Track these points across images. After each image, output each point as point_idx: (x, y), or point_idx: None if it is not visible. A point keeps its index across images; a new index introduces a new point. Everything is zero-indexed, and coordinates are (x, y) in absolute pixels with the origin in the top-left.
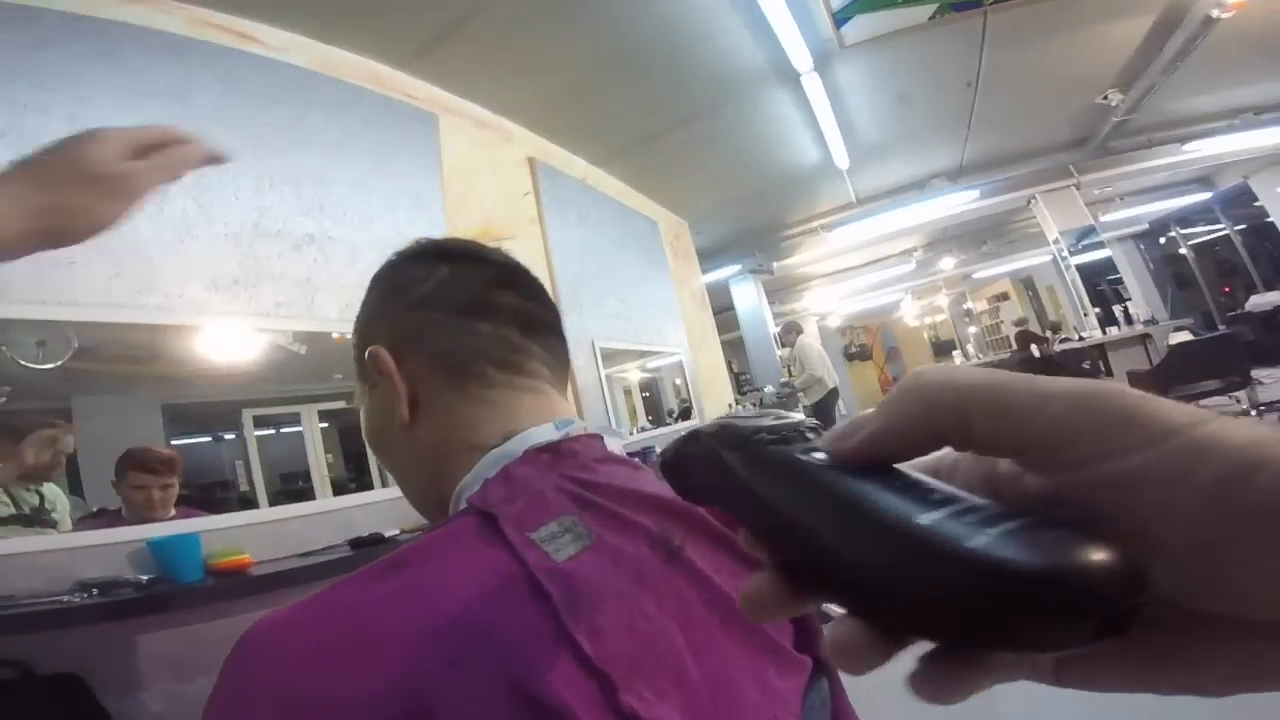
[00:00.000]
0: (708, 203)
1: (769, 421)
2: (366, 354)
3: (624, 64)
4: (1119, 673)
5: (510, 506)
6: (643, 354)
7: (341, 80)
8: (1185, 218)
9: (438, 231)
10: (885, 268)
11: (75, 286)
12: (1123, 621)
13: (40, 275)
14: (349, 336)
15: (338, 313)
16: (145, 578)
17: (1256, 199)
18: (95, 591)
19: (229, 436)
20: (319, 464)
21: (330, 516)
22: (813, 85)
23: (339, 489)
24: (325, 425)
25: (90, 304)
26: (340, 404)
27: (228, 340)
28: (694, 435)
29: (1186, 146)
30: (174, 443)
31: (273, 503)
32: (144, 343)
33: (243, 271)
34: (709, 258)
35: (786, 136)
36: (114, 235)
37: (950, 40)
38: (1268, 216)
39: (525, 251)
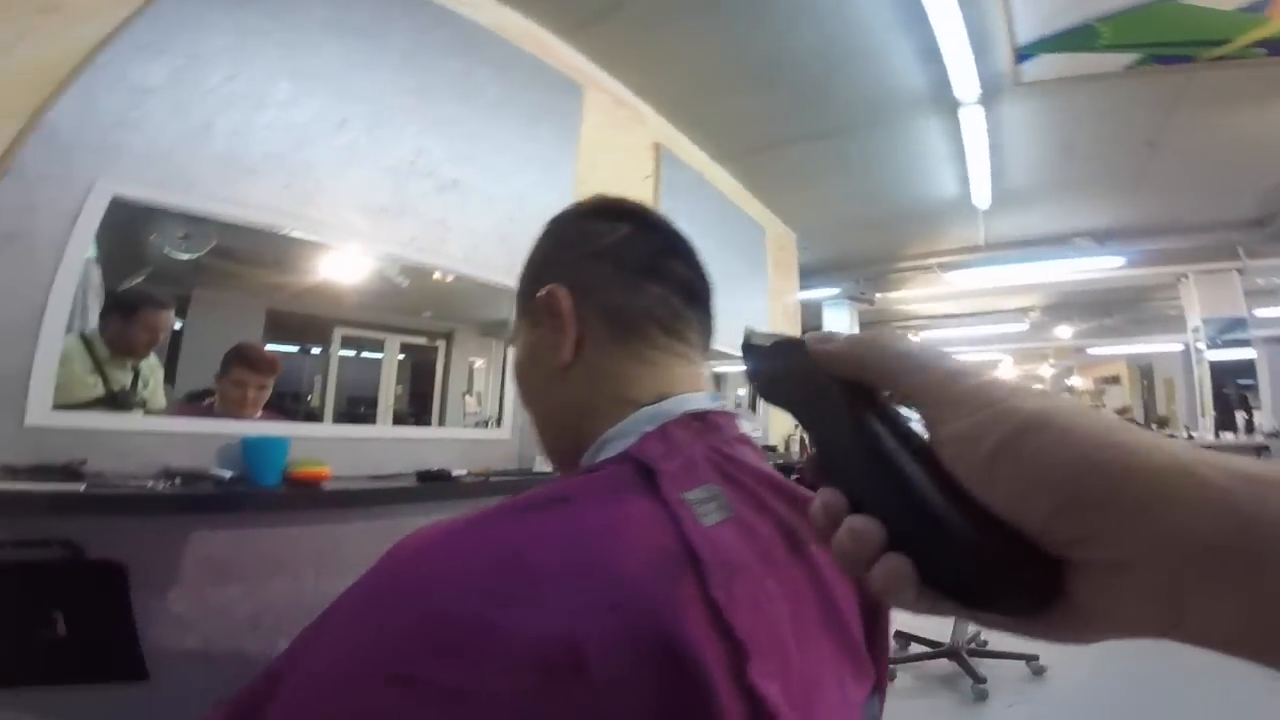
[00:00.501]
0: (821, 219)
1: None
2: (543, 292)
3: (772, 68)
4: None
5: (668, 464)
6: (717, 356)
7: (508, 41)
8: None
9: (563, 199)
10: (994, 322)
11: (251, 190)
12: (1043, 600)
13: (226, 176)
14: (458, 278)
15: (463, 255)
16: (228, 474)
17: None
18: (178, 481)
19: (315, 351)
20: (387, 393)
21: (403, 445)
22: (972, 118)
23: (398, 421)
24: (402, 357)
25: (259, 207)
26: (423, 340)
27: (347, 261)
28: (794, 343)
29: None
30: (268, 348)
31: (336, 422)
32: (271, 251)
33: (392, 203)
34: (809, 275)
35: (925, 166)
36: (293, 153)
37: (1142, 93)
38: None
39: None
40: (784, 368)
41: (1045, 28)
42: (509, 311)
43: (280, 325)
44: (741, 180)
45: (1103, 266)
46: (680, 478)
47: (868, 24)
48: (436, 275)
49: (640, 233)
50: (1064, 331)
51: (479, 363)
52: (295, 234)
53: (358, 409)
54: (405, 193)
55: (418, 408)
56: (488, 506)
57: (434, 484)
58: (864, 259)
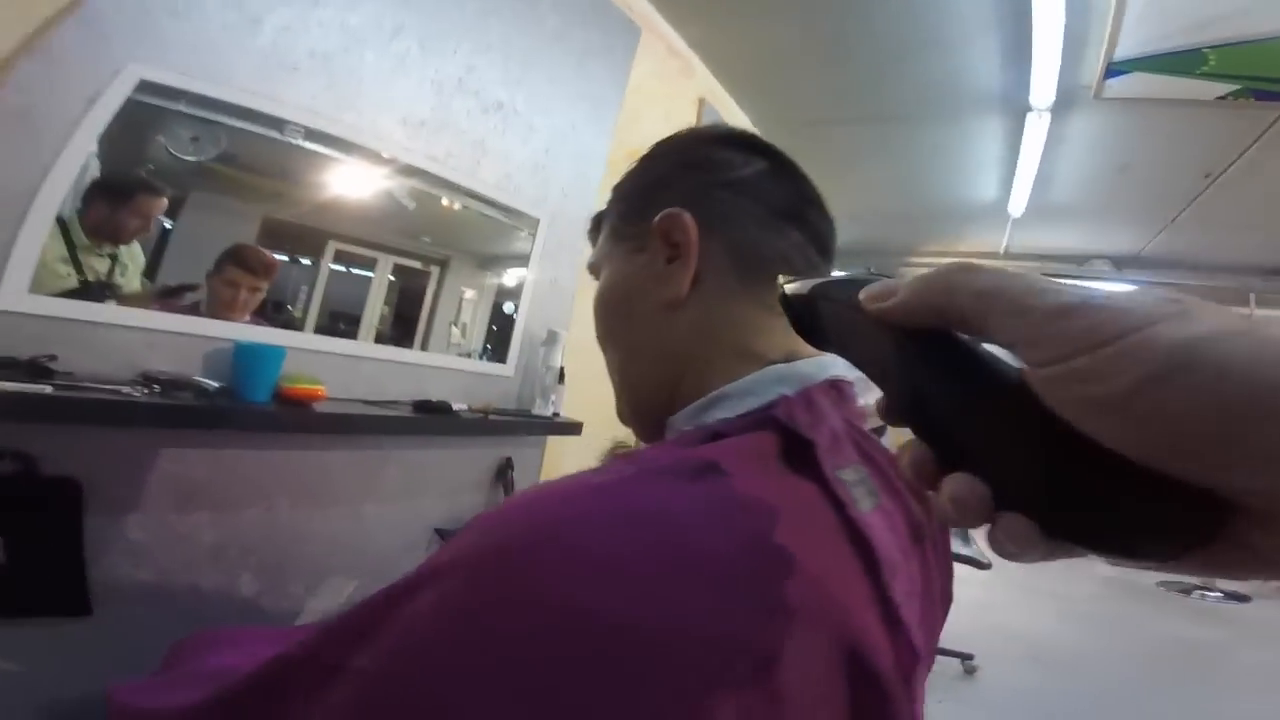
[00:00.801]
0: (851, 204)
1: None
2: (663, 215)
3: (840, 43)
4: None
5: (820, 437)
6: None
7: None
8: None
9: (603, 141)
10: None
11: (291, 89)
12: (1204, 540)
13: (266, 71)
14: (465, 207)
15: (495, 181)
16: (215, 384)
17: None
18: (157, 388)
19: (305, 261)
20: (373, 312)
21: (398, 370)
22: (1037, 125)
23: (379, 341)
24: (393, 279)
25: (295, 105)
26: (417, 264)
27: (356, 175)
28: (840, 296)
29: None
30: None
31: (318, 333)
32: (280, 159)
33: (432, 117)
34: None
35: (971, 166)
36: (341, 55)
37: (1220, 125)
38: None
39: None
40: (834, 322)
41: (1152, 46)
42: (518, 246)
43: (274, 233)
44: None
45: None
46: (834, 454)
47: (959, 14)
48: (445, 201)
49: (780, 172)
50: None
51: (469, 294)
52: (339, 134)
53: (338, 325)
54: (448, 109)
55: (400, 331)
56: (610, 469)
57: (433, 416)
58: (881, 248)
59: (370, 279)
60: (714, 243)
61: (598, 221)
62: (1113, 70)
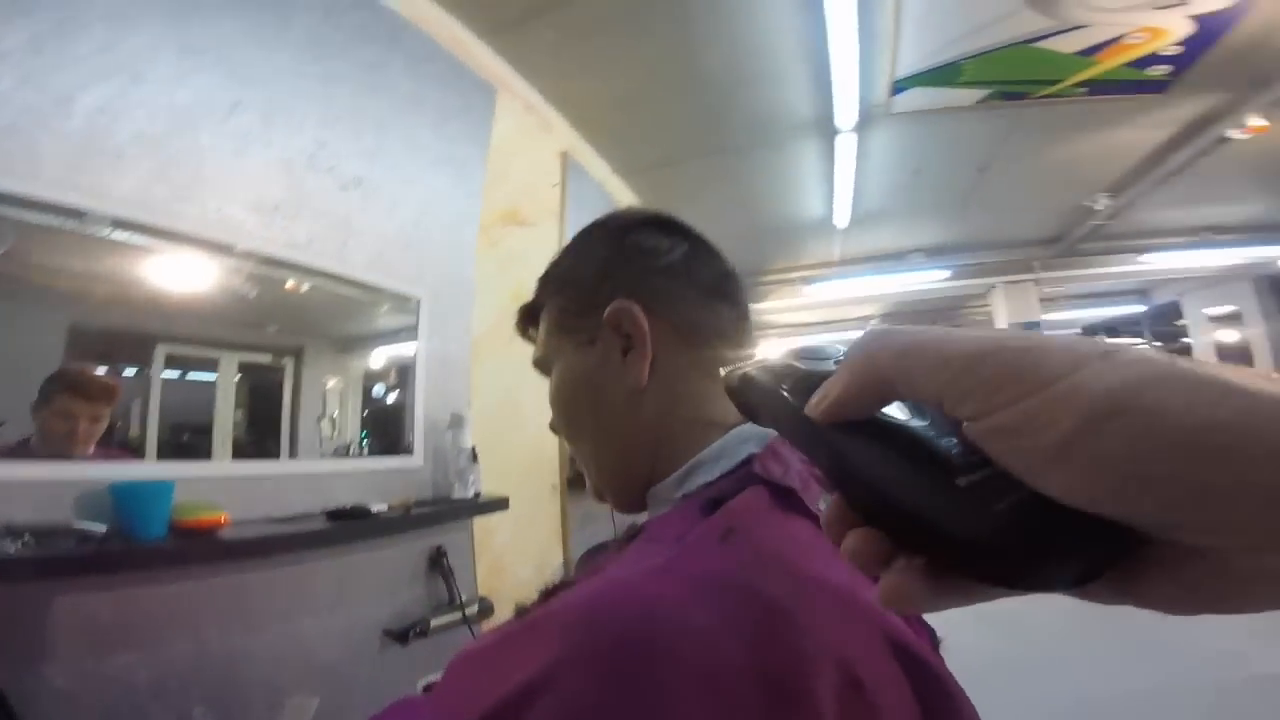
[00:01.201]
0: (708, 234)
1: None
2: (613, 307)
3: (679, 87)
4: (1113, 593)
5: (794, 481)
6: None
7: (426, 34)
8: (1114, 327)
9: (473, 205)
10: (840, 330)
11: (116, 178)
12: (1096, 573)
13: (84, 160)
14: (314, 287)
15: (366, 261)
16: (102, 528)
17: (1181, 317)
18: (28, 539)
19: (129, 372)
20: (224, 420)
21: (300, 481)
22: (846, 144)
23: (239, 452)
24: (239, 377)
25: (123, 200)
26: (267, 357)
27: (180, 266)
28: (763, 369)
29: (1143, 258)
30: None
31: (160, 455)
32: (84, 253)
33: (287, 200)
34: None
35: (801, 187)
36: (172, 137)
37: (983, 125)
38: (1186, 337)
39: (543, 244)
40: (775, 420)
41: (921, 63)
42: (381, 322)
43: (85, 343)
44: (639, 193)
45: (931, 279)
46: (807, 493)
47: (775, 49)
48: (289, 284)
49: (699, 251)
50: None
51: (332, 382)
52: (180, 229)
53: (181, 438)
54: (303, 188)
55: (260, 435)
56: (643, 558)
57: (351, 523)
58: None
59: (214, 382)
60: (660, 326)
61: (531, 313)
62: (897, 88)
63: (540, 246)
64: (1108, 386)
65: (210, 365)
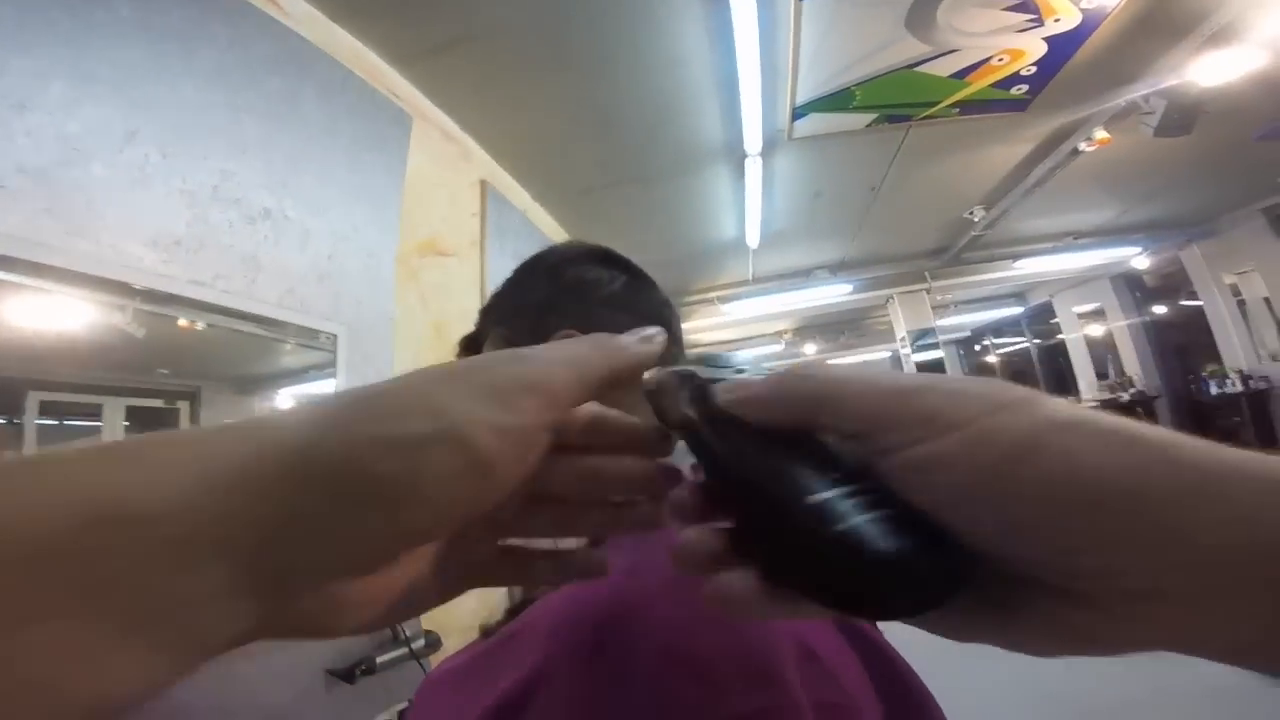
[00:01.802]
0: (631, 258)
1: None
2: (555, 338)
3: (597, 117)
4: (960, 626)
5: None
6: None
7: (339, 63)
8: (999, 329)
9: (390, 236)
10: (757, 345)
11: None
12: (938, 602)
13: None
14: (211, 325)
15: (277, 297)
16: None
17: (1054, 316)
18: None
19: None
20: None
21: None
22: (753, 169)
23: None
24: (127, 424)
25: (8, 236)
26: (158, 402)
27: (53, 306)
28: (676, 374)
29: (1017, 263)
30: None
31: None
32: None
33: (189, 234)
34: None
35: (714, 212)
36: (60, 169)
37: (872, 148)
38: (1059, 333)
39: (464, 274)
40: (675, 413)
41: (817, 90)
42: (286, 361)
43: None
44: (561, 222)
45: (836, 293)
46: None
47: (688, 81)
48: (182, 322)
49: (637, 282)
50: (810, 349)
51: None
52: (70, 267)
53: None
54: (206, 222)
55: None
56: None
57: None
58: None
59: (99, 429)
60: None
61: (473, 343)
62: (797, 114)
63: (462, 277)
64: (1027, 427)
65: (92, 412)
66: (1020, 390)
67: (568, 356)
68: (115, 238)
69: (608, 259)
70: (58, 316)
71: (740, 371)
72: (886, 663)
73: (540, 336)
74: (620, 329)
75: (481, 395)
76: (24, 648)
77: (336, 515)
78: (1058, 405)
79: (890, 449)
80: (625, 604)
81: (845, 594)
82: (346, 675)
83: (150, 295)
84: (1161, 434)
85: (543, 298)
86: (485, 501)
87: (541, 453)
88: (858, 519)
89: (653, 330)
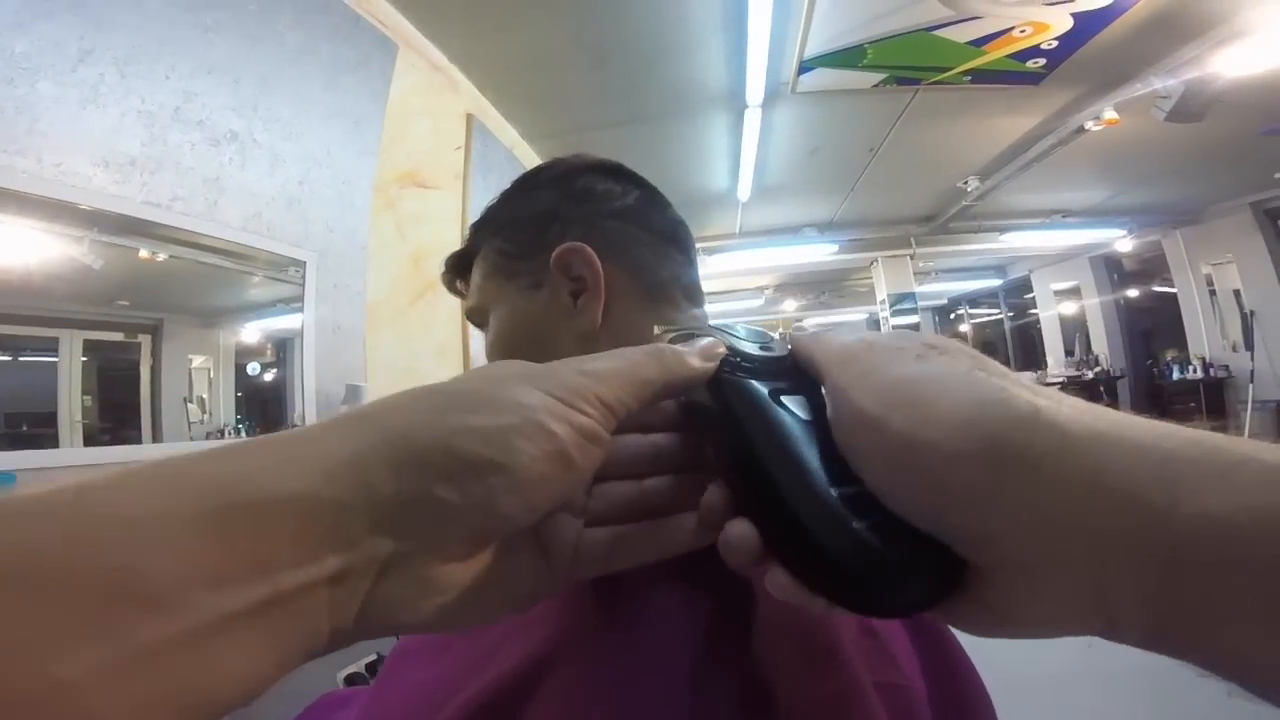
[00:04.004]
0: None
1: (752, 350)
2: (563, 248)
3: (593, 52)
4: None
5: None
6: None
7: None
8: (975, 299)
9: (367, 165)
10: (737, 299)
11: None
12: (932, 604)
13: None
14: (174, 256)
15: (241, 221)
16: None
17: (1031, 290)
18: None
19: None
20: (71, 405)
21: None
22: (752, 120)
23: (90, 439)
24: (86, 358)
25: None
26: (118, 335)
27: (6, 234)
28: (693, 338)
29: (1004, 236)
30: None
31: None
32: None
33: (145, 155)
34: None
35: (707, 160)
36: (4, 88)
37: (876, 108)
38: (1033, 308)
39: (445, 207)
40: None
41: (829, 44)
42: (253, 294)
43: None
44: (548, 160)
45: (821, 252)
46: None
47: (693, 20)
48: (144, 253)
49: (652, 198)
50: (790, 305)
51: (199, 360)
52: (10, 185)
53: (19, 428)
54: (165, 143)
55: (116, 420)
56: None
57: None
58: None
59: (55, 364)
60: (613, 271)
61: (463, 260)
62: (804, 67)
63: (442, 210)
64: (900, 376)
65: (49, 345)
66: (929, 345)
67: (628, 369)
68: (60, 157)
69: (619, 172)
70: (10, 246)
71: (743, 339)
72: (935, 634)
73: (542, 249)
74: (632, 242)
75: (555, 395)
76: (141, 646)
77: (440, 496)
78: (951, 358)
79: (829, 391)
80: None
81: (845, 595)
82: (364, 680)
83: (105, 221)
84: (1030, 393)
85: (546, 208)
86: (567, 489)
87: (604, 452)
88: (861, 524)
89: (711, 341)
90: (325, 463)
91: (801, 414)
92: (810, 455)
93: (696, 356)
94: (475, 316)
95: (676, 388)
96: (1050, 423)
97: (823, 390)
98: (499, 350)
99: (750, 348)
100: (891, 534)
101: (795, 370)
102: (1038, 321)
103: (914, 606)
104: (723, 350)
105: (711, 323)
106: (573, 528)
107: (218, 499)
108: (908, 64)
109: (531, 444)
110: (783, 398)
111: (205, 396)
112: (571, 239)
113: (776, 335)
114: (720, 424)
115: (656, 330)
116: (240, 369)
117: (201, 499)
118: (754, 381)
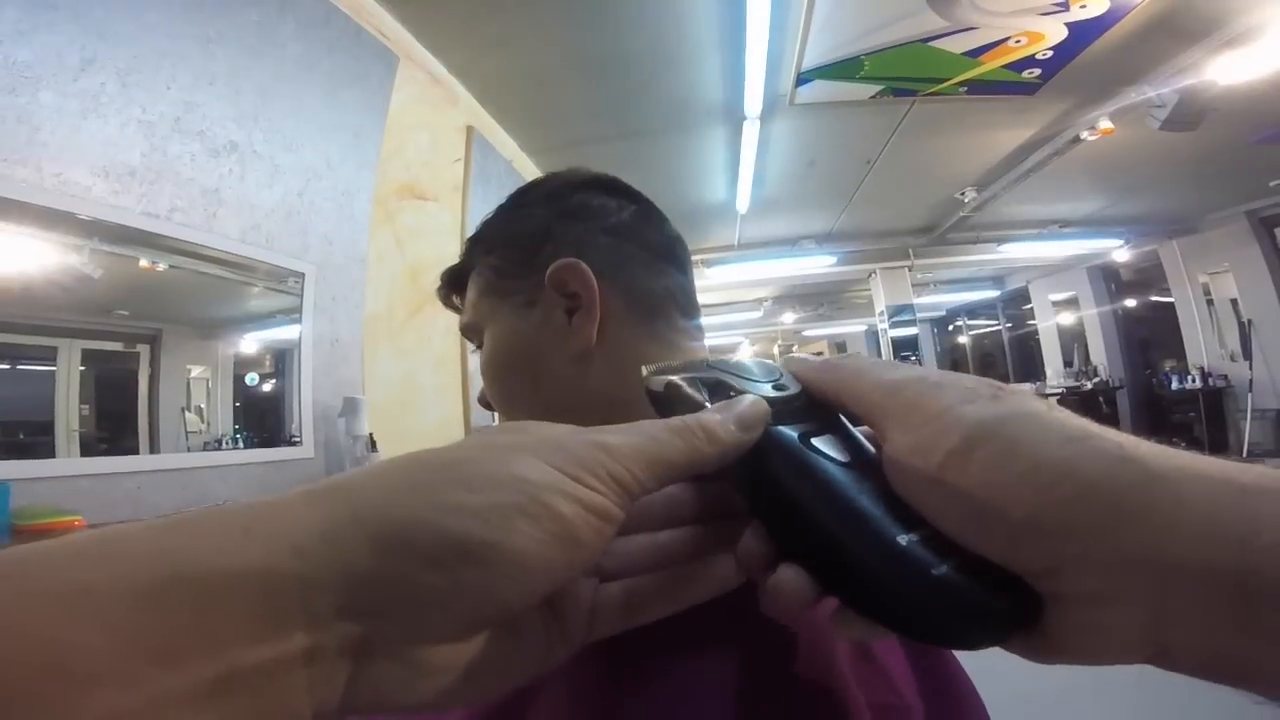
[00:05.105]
0: None
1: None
2: (558, 266)
3: (593, 66)
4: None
5: None
6: None
7: None
8: (974, 310)
9: (367, 177)
10: (736, 311)
11: None
12: (1009, 636)
13: None
14: (174, 266)
15: (239, 233)
16: None
17: (1028, 302)
18: None
19: None
20: (69, 415)
21: (173, 477)
22: (750, 132)
23: (87, 449)
24: (84, 368)
25: None
26: (117, 345)
27: (5, 243)
28: (692, 382)
29: (1001, 247)
30: None
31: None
32: None
33: (145, 165)
34: None
35: (705, 173)
36: (5, 97)
37: (873, 120)
38: (1031, 319)
39: (443, 220)
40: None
41: (827, 56)
42: (254, 305)
43: None
44: (547, 173)
45: (819, 264)
46: None
47: (692, 34)
48: (144, 263)
49: (647, 214)
50: (789, 317)
51: (197, 370)
52: (10, 195)
53: (15, 437)
54: (164, 154)
55: (114, 430)
56: None
57: None
58: None
59: (53, 373)
60: (608, 289)
61: (458, 276)
62: (801, 79)
63: (442, 222)
64: (980, 417)
65: (47, 355)
66: (995, 385)
67: (651, 448)
68: (60, 166)
69: (615, 187)
70: (7, 255)
71: (754, 379)
72: (933, 653)
73: (536, 267)
74: (627, 259)
75: (564, 470)
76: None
77: (428, 579)
78: (1018, 399)
79: (882, 441)
80: None
81: (929, 635)
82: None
83: (104, 231)
84: (1113, 433)
85: (540, 224)
86: (572, 570)
87: (617, 528)
88: (941, 569)
89: (753, 402)
90: (292, 535)
91: (837, 455)
92: (867, 504)
93: (734, 425)
94: (469, 334)
95: (708, 466)
96: (1134, 458)
97: (847, 423)
98: (491, 369)
99: (764, 388)
100: (972, 574)
101: (812, 405)
102: (1036, 332)
103: (997, 641)
104: (766, 412)
105: (711, 360)
106: (588, 589)
107: (157, 572)
108: (904, 75)
109: (535, 526)
110: (812, 439)
111: (203, 407)
112: (566, 256)
113: (775, 352)
114: (750, 476)
115: (645, 371)
116: (239, 380)
117: (138, 572)
118: (783, 429)
